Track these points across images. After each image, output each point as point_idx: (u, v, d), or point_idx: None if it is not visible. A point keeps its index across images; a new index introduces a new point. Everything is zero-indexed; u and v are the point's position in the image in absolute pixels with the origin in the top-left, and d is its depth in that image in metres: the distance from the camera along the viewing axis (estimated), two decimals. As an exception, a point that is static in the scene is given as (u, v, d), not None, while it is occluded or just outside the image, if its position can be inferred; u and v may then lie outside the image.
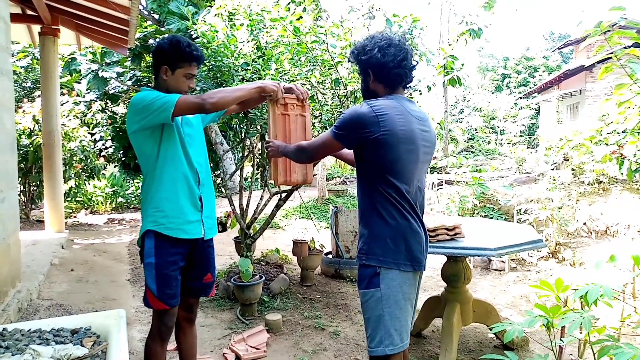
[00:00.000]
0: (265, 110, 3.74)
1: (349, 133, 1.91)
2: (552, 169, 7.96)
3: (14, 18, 5.41)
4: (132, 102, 2.12)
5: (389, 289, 1.89)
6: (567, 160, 8.10)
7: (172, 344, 2.73)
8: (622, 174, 4.00)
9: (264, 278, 4.08)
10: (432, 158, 2.15)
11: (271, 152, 2.27)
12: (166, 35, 7.60)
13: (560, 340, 2.26)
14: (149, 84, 9.05)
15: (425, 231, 2.02)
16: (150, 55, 2.25)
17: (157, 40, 2.34)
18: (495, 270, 5.55)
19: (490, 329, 2.79)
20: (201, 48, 3.78)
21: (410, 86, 2.09)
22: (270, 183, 4.56)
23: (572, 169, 7.57)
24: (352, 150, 2.04)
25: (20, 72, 10.78)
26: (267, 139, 2.36)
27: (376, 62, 1.94)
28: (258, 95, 2.24)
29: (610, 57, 2.65)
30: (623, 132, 4.77)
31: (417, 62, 2.07)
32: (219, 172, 13.29)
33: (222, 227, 4.73)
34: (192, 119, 2.33)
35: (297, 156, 2.20)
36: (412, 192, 1.95)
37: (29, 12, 6.08)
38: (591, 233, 6.03)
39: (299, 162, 2.29)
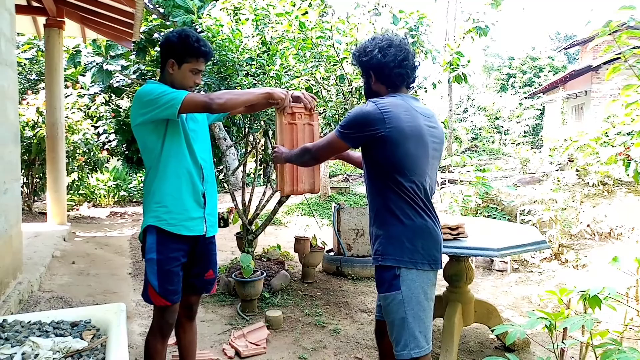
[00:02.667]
0: (270, 109, 3.71)
1: (354, 132, 1.89)
2: (557, 170, 7.92)
3: (19, 9, 5.40)
4: (138, 94, 2.09)
5: (409, 291, 1.87)
6: (572, 161, 8.07)
7: (171, 339, 2.73)
8: (628, 175, 3.98)
9: (265, 274, 4.08)
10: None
11: (275, 158, 2.25)
12: (175, 28, 7.60)
13: (562, 342, 2.24)
14: (154, 77, 9.05)
15: (440, 228, 2.00)
16: (158, 47, 2.20)
17: (164, 33, 2.31)
18: (498, 270, 5.52)
19: (492, 330, 2.77)
20: (206, 42, 3.79)
21: (413, 86, 2.11)
22: (273, 180, 4.55)
23: (577, 170, 7.54)
24: (359, 152, 2.03)
25: (24, 64, 10.79)
26: (273, 146, 2.35)
27: (377, 62, 1.94)
28: (265, 101, 2.21)
29: (618, 58, 2.62)
30: (629, 134, 4.73)
31: (419, 63, 2.07)
32: (221, 167, 13.31)
33: (224, 222, 4.72)
34: (198, 115, 2.30)
35: (301, 158, 2.14)
36: (425, 189, 1.93)
37: (34, 4, 6.07)
38: (595, 235, 6.00)
39: (303, 165, 2.23)
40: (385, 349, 2.20)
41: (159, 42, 2.25)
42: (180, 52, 2.12)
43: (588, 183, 6.95)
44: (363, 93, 2.22)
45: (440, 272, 2.14)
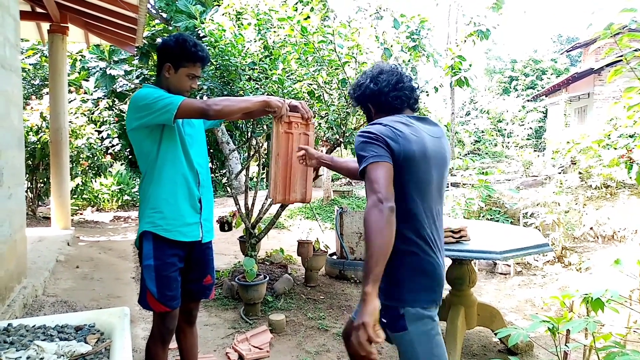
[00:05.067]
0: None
1: (383, 145, 1.66)
2: (559, 173, 7.91)
3: (24, 15, 5.44)
4: (134, 99, 2.07)
5: (417, 329, 1.73)
6: (575, 163, 8.05)
7: (173, 343, 2.73)
8: (630, 178, 3.98)
9: (268, 278, 4.08)
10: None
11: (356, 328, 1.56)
12: (173, 32, 7.62)
13: (566, 345, 2.24)
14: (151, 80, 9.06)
15: (444, 262, 1.87)
16: (157, 51, 2.21)
17: (165, 37, 2.32)
18: (501, 273, 5.51)
19: (495, 333, 2.77)
20: (208, 47, 3.83)
21: (418, 107, 1.97)
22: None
23: (580, 173, 7.53)
24: (342, 158, 1.97)
25: (28, 70, 10.84)
26: (272, 155, 2.31)
27: (371, 92, 1.89)
28: (262, 109, 2.19)
29: (620, 60, 2.62)
30: (631, 136, 4.73)
31: (418, 85, 1.97)
32: (224, 171, 13.34)
33: (228, 226, 4.73)
34: (194, 119, 2.29)
35: (371, 248, 1.56)
36: (433, 219, 1.79)
37: (39, 10, 6.11)
38: (598, 238, 5.99)
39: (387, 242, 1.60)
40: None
41: (157, 47, 2.25)
42: (177, 56, 2.11)
43: (591, 186, 6.94)
44: (334, 124, 2.17)
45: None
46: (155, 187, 2.11)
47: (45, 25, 6.39)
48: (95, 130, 9.39)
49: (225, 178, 12.71)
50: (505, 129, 20.19)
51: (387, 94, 1.87)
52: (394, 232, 1.57)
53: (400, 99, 1.87)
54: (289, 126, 2.28)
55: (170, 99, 2.01)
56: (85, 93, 10.44)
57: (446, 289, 3.36)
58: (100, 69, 10.50)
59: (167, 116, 1.99)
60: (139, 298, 2.20)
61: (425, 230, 1.74)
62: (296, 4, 3.82)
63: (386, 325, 1.75)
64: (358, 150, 1.71)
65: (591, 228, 6.07)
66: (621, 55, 2.59)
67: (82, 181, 8.91)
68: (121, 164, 12.77)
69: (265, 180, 10.52)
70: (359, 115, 4.09)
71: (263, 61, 3.71)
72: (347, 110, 3.81)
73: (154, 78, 2.34)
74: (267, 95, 3.64)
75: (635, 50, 2.57)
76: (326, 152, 4.43)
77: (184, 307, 2.29)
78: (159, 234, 2.10)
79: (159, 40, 8.64)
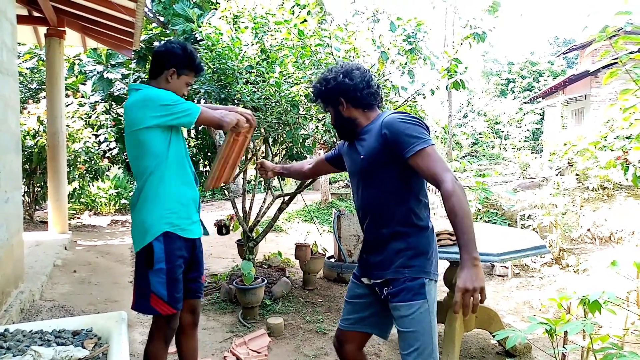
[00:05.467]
0: (269, 113, 3.74)
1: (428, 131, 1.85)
2: (556, 175, 7.93)
3: (21, 19, 5.44)
4: (147, 98, 2.09)
5: (433, 300, 1.87)
6: (572, 165, 8.08)
7: (172, 347, 2.73)
8: (627, 179, 3.99)
9: (266, 281, 4.08)
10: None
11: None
12: (174, 37, 7.63)
13: (563, 347, 2.24)
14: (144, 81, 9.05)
15: None
16: (157, 53, 2.26)
17: (166, 42, 2.36)
18: (499, 275, 5.52)
19: (493, 336, 2.78)
20: (206, 50, 3.84)
21: (380, 105, 2.07)
22: (274, 187, 4.56)
23: (577, 175, 7.55)
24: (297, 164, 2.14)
25: (25, 74, 10.84)
26: (219, 157, 2.45)
27: (345, 86, 1.93)
28: (239, 124, 2.30)
29: (616, 62, 2.63)
30: (628, 137, 4.74)
31: (379, 86, 2.06)
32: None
33: (225, 229, 4.73)
34: None
35: (466, 212, 1.66)
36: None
37: (36, 14, 6.11)
38: (595, 239, 6.00)
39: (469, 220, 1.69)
40: (347, 358, 2.16)
41: (157, 50, 2.29)
42: (183, 64, 2.21)
43: (588, 187, 6.96)
44: (331, 126, 2.22)
45: (440, 277, 2.15)
46: (166, 187, 2.13)
47: (42, 29, 6.41)
48: (93, 134, 9.40)
49: (223, 181, 12.66)
50: (503, 131, 20.23)
51: (361, 90, 1.94)
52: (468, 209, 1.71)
53: (374, 95, 1.97)
54: (238, 134, 2.41)
55: (188, 103, 2.12)
56: (83, 97, 10.45)
57: (444, 291, 3.36)
58: (98, 72, 10.52)
59: (189, 120, 2.11)
60: (135, 304, 2.16)
61: (427, 200, 1.96)
62: (293, 7, 3.82)
63: (400, 293, 1.85)
64: (412, 131, 1.77)
65: (588, 229, 6.09)
66: (617, 58, 2.61)
67: (79, 185, 8.90)
68: (118, 168, 12.75)
69: (262, 183, 10.53)
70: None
71: (260, 64, 3.72)
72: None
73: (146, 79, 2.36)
74: (265, 97, 3.66)
75: (631, 53, 2.58)
76: (324, 154, 4.44)
77: (189, 306, 2.34)
78: (176, 234, 2.15)
79: (156, 43, 8.65)
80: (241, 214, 4.55)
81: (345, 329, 2.12)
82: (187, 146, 2.42)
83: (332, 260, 5.36)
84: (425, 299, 1.83)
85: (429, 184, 1.92)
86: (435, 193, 7.94)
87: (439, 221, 3.12)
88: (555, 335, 1.89)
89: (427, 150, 1.74)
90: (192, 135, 10.83)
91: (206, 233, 2.43)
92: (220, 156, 2.41)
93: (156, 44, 8.58)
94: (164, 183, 2.13)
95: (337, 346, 2.19)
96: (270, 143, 4.53)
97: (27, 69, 10.93)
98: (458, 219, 1.64)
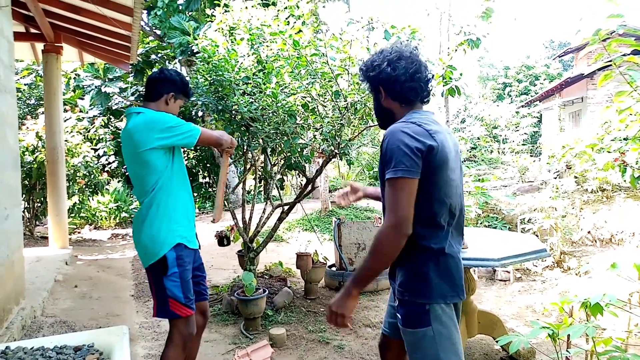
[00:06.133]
0: (267, 124, 3.76)
1: (416, 159, 1.65)
2: (555, 178, 7.94)
3: (18, 36, 5.47)
4: (153, 121, 2.28)
5: (441, 326, 1.73)
6: (570, 168, 8.09)
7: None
8: (625, 181, 3.99)
9: (267, 292, 4.07)
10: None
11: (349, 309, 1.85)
12: (167, 55, 7.67)
13: (567, 351, 2.24)
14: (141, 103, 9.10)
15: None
16: (155, 79, 2.50)
17: (160, 57, 2.55)
18: (500, 280, 5.51)
19: (496, 341, 2.77)
20: (202, 62, 3.87)
21: (429, 100, 1.92)
22: (273, 196, 4.56)
23: (575, 177, 7.55)
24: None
25: (23, 90, 10.87)
26: (220, 183, 2.72)
27: (387, 76, 1.80)
28: (225, 144, 2.54)
29: (610, 65, 2.65)
30: (624, 139, 4.75)
31: (433, 75, 1.92)
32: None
33: (226, 240, 4.72)
34: None
35: (375, 259, 1.72)
36: (457, 215, 1.81)
37: (33, 30, 6.15)
38: (596, 241, 6.00)
39: (391, 255, 1.72)
40: None
41: (156, 74, 2.42)
42: (180, 90, 2.49)
43: (587, 189, 6.96)
44: (373, 111, 2.07)
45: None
46: (174, 202, 2.34)
47: (40, 46, 6.44)
48: (92, 148, 9.40)
49: (223, 192, 12.67)
50: (501, 135, 20.28)
51: (403, 82, 1.80)
52: (397, 247, 1.67)
53: (415, 90, 1.82)
54: (227, 157, 2.69)
55: (189, 125, 2.33)
56: (81, 111, 10.46)
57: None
58: (95, 87, 10.55)
59: (191, 140, 2.32)
60: (155, 310, 2.33)
61: (449, 228, 1.78)
62: (288, 17, 3.85)
63: (405, 322, 1.78)
64: (391, 154, 1.67)
65: (589, 232, 6.08)
66: (610, 60, 2.63)
67: (79, 199, 8.90)
68: (118, 181, 12.75)
69: (262, 193, 10.51)
70: (353, 126, 4.11)
71: (256, 75, 3.74)
72: (342, 122, 3.83)
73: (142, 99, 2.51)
74: (262, 107, 3.68)
75: (624, 55, 2.60)
76: (322, 163, 4.45)
77: (199, 307, 2.55)
78: (183, 244, 2.34)
79: (153, 56, 8.68)
80: (241, 225, 4.54)
81: (384, 333, 2.14)
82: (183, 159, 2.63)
83: (334, 269, 5.35)
84: (430, 326, 1.72)
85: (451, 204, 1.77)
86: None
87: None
88: (558, 339, 1.89)
89: (391, 181, 1.66)
90: (192, 148, 10.83)
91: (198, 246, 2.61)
92: (222, 182, 2.67)
93: (153, 57, 8.62)
94: (171, 198, 2.33)
95: (382, 351, 2.20)
96: (269, 153, 4.54)
97: (25, 85, 10.96)
98: (368, 252, 1.72)
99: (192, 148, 2.34)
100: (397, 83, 1.80)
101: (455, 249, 1.80)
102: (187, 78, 2.62)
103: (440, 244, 1.75)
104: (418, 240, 1.73)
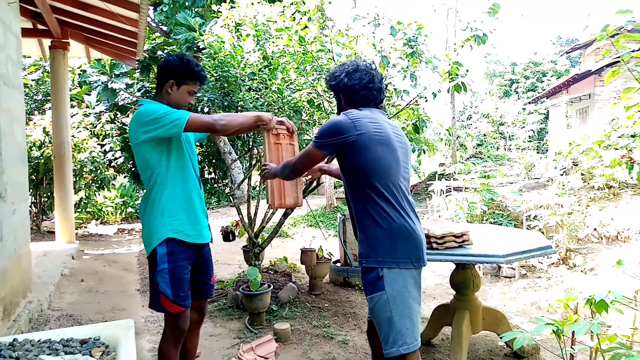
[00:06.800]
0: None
1: (329, 140, 2.04)
2: (562, 174, 7.90)
3: (25, 33, 5.51)
4: (139, 114, 2.22)
5: (393, 290, 1.96)
6: (576, 165, 8.04)
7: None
8: (632, 178, 3.98)
9: (272, 287, 4.08)
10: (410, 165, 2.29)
11: (267, 173, 2.43)
12: (173, 51, 7.69)
13: (572, 348, 2.24)
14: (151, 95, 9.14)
15: (421, 227, 2.10)
16: (158, 70, 2.40)
17: (166, 53, 2.49)
18: (505, 277, 5.50)
19: (501, 337, 2.76)
20: (208, 58, 3.87)
21: (382, 105, 2.25)
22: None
23: (582, 174, 7.51)
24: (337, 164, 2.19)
25: (31, 85, 10.94)
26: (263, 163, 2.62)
27: (344, 86, 2.14)
28: (255, 123, 2.40)
29: (618, 61, 2.63)
30: (632, 136, 4.72)
31: (385, 86, 2.31)
32: (227, 181, 13.37)
33: (232, 236, 4.75)
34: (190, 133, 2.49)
35: (283, 172, 2.31)
36: (400, 191, 2.05)
37: (40, 27, 6.18)
38: (602, 239, 5.97)
39: (286, 178, 2.38)
40: (376, 349, 2.27)
41: (158, 64, 2.39)
42: (180, 74, 2.30)
43: (593, 187, 6.92)
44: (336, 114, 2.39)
45: (447, 280, 2.17)
46: (169, 196, 2.26)
47: (47, 42, 6.47)
48: (98, 144, 9.46)
49: (228, 188, 12.75)
50: (507, 132, 20.16)
51: (357, 91, 2.12)
52: (291, 179, 2.36)
53: (368, 98, 2.14)
54: (277, 137, 2.56)
55: (178, 113, 2.18)
56: (87, 107, 10.52)
57: (450, 293, 3.36)
58: (102, 82, 10.61)
59: (177, 130, 2.17)
60: (150, 302, 2.33)
61: (395, 199, 2.01)
62: (294, 13, 3.84)
63: (366, 287, 2.04)
64: (319, 130, 2.10)
65: (595, 229, 6.05)
66: (618, 57, 2.60)
67: (85, 195, 8.96)
68: (124, 177, 12.83)
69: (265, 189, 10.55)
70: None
71: (262, 71, 3.74)
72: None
73: (155, 90, 2.44)
74: (267, 103, 3.69)
75: (633, 51, 2.58)
76: (327, 160, 4.44)
77: (196, 305, 2.48)
78: (179, 239, 2.26)
79: (159, 53, 8.72)
80: (246, 220, 4.56)
81: (369, 319, 2.26)
82: (195, 153, 2.54)
83: (338, 264, 5.36)
84: (383, 290, 1.96)
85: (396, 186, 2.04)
86: (441, 195, 7.93)
87: (444, 223, 3.11)
88: (563, 336, 1.88)
89: (309, 148, 2.11)
90: (197, 144, 10.88)
91: (210, 240, 2.53)
92: (268, 161, 2.53)
93: (160, 53, 8.65)
94: (165, 192, 2.26)
95: (370, 338, 2.36)
96: (260, 155, 4.54)
97: (32, 80, 11.04)
98: (285, 167, 2.30)
99: (207, 139, 2.30)
100: (352, 91, 2.13)
101: (407, 219, 2.03)
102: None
103: (389, 216, 2.00)
104: (371, 213, 2.01)
